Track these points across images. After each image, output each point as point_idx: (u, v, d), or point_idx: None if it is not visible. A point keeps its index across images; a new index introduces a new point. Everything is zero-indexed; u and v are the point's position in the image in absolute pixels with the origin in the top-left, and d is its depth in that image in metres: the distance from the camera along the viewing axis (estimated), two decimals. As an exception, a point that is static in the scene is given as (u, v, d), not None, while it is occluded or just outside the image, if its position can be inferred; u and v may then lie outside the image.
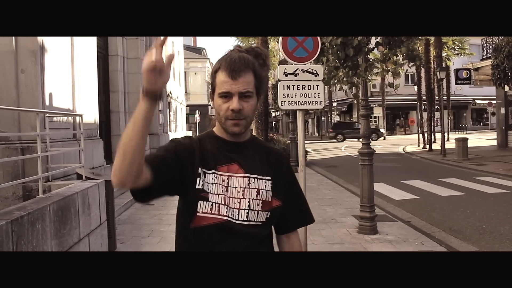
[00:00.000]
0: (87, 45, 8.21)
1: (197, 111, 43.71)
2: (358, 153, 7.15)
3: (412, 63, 6.60)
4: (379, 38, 6.13)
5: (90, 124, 8.01)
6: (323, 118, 53.12)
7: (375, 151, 7.17)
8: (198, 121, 42.39)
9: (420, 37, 23.78)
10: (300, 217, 1.75)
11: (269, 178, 1.60)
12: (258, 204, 1.55)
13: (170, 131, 20.53)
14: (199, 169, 1.51)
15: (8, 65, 5.66)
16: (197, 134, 1.69)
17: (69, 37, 7.03)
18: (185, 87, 40.62)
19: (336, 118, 49.87)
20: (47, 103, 6.00)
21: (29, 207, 3.77)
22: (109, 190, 5.95)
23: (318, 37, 5.86)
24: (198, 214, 1.50)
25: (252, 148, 1.64)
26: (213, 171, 1.53)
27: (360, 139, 7.23)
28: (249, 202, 1.54)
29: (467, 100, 46.60)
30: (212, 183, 1.51)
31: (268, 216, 1.58)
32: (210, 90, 1.60)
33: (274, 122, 64.11)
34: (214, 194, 1.50)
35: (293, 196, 1.71)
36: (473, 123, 50.70)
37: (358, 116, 6.41)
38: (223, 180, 1.53)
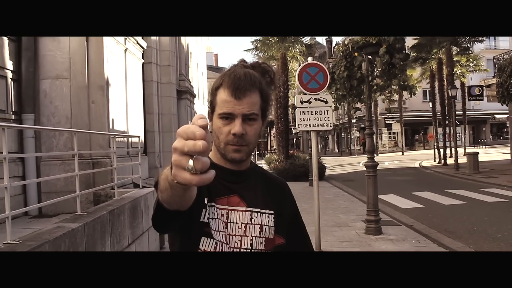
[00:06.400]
0: (136, 75, 9.79)
1: (220, 128, 45.24)
2: (364, 166, 8.48)
3: (405, 91, 7.90)
4: (377, 71, 7.50)
5: (137, 143, 9.54)
6: (343, 134, 54.30)
7: (378, 164, 8.47)
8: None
9: (433, 56, 25.02)
10: None
11: (272, 212, 1.42)
12: (261, 243, 1.36)
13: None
14: (206, 199, 1.30)
15: (82, 97, 7.20)
16: None
17: (124, 72, 8.60)
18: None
19: (355, 134, 50.95)
20: (111, 126, 7.51)
21: (114, 204, 5.22)
22: (160, 197, 7.40)
23: (327, 71, 7.25)
24: (200, 252, 1.29)
25: (254, 178, 1.45)
26: (212, 203, 1.32)
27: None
28: (251, 240, 1.35)
29: (486, 114, 47.05)
30: (213, 218, 1.31)
31: None
32: (209, 109, 1.39)
33: (294, 139, 65.36)
34: (216, 231, 1.31)
35: (296, 230, 1.54)
36: (493, 137, 50.90)
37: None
38: (222, 215, 1.33)
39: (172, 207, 1.05)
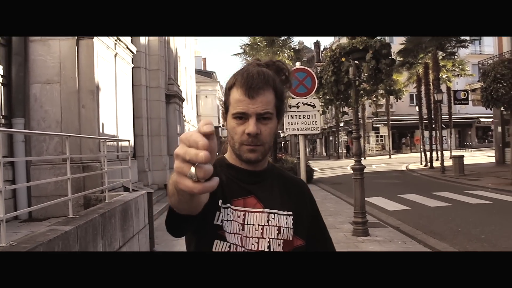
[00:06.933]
0: (125, 80, 9.85)
1: (208, 132, 45.19)
2: (351, 169, 8.63)
3: (392, 96, 8.11)
4: (364, 76, 7.67)
5: (127, 147, 9.59)
6: (331, 138, 54.66)
7: (365, 167, 8.64)
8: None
9: (419, 61, 25.37)
10: None
11: (290, 213, 1.39)
12: (279, 245, 1.34)
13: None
14: (220, 201, 1.27)
15: (72, 102, 7.26)
16: None
17: (114, 76, 8.66)
18: (196, 110, 42.33)
19: (343, 137, 51.32)
20: (101, 131, 7.57)
21: (105, 207, 5.28)
22: (150, 200, 7.47)
23: (315, 76, 7.40)
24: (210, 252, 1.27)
25: (271, 178, 1.42)
26: (228, 205, 1.30)
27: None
28: (269, 242, 1.32)
29: (471, 118, 47.67)
30: (227, 220, 1.28)
31: None
32: (223, 109, 1.37)
33: (283, 143, 65.57)
34: (231, 233, 1.28)
35: (317, 232, 1.50)
36: (479, 140, 51.58)
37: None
38: (239, 217, 1.31)
39: (182, 212, 1.02)
